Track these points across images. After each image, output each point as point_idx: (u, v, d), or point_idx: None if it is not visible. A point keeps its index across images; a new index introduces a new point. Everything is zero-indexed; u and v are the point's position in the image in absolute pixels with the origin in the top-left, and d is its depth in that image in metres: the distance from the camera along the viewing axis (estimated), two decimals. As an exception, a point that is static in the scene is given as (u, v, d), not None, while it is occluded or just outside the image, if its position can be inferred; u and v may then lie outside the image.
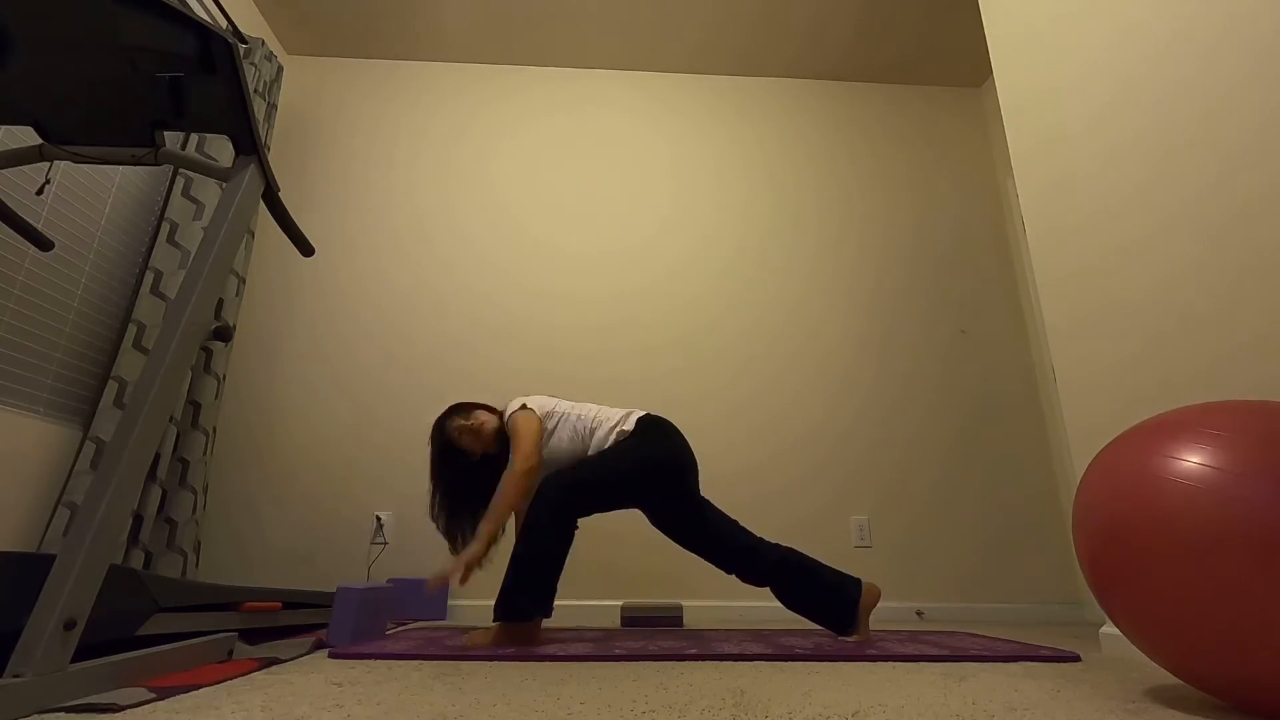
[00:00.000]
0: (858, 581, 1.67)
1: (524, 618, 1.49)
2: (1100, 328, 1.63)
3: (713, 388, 2.70)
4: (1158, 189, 1.49)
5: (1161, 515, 0.83)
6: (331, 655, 1.32)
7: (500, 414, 1.85)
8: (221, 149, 2.42)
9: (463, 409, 1.86)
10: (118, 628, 1.12)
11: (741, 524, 1.78)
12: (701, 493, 1.90)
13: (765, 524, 2.51)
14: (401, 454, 2.54)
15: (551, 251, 2.87)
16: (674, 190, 3.01)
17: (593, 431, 1.75)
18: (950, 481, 2.63)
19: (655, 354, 2.74)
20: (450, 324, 2.73)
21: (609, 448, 1.72)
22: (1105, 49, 1.66)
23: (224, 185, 2.01)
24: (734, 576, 1.75)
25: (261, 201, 1.30)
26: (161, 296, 2.16)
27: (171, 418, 2.13)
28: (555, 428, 1.76)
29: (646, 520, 1.83)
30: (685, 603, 2.40)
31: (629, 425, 1.75)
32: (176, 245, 2.24)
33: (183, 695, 0.94)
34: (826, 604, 1.65)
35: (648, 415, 1.79)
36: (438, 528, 1.83)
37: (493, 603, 1.99)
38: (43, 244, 1.42)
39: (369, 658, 1.30)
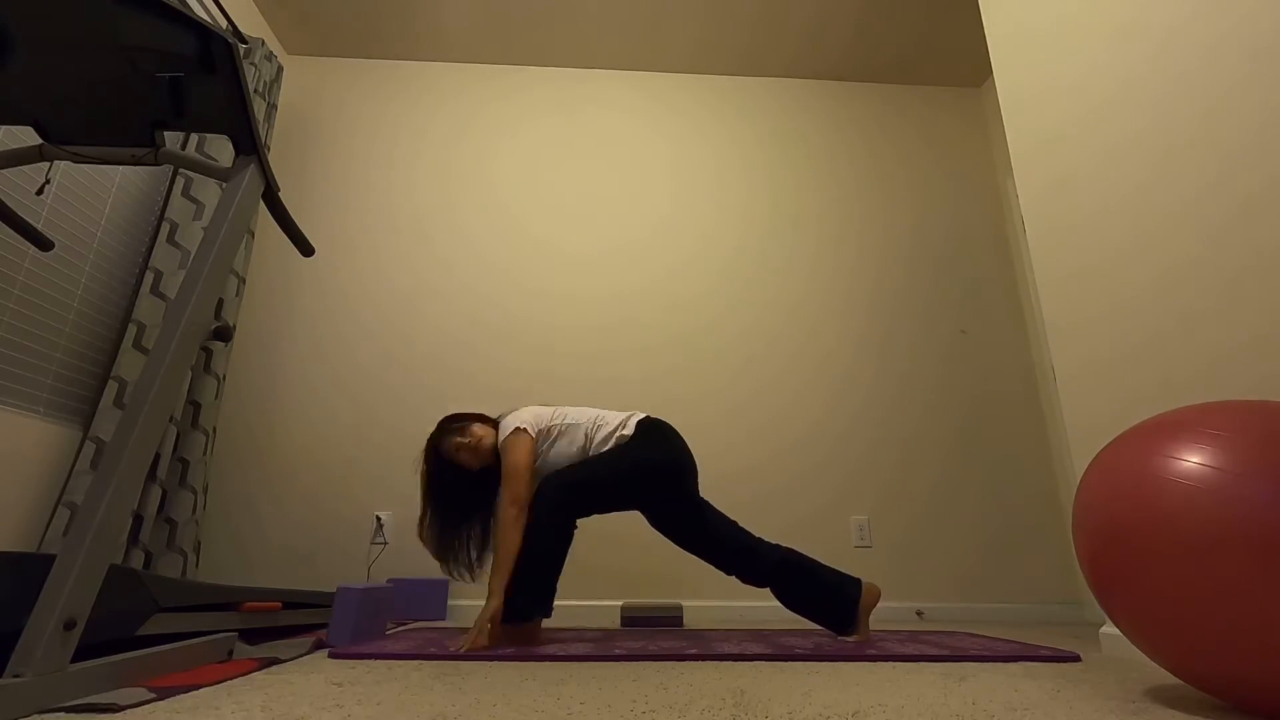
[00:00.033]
0: (857, 581, 1.67)
1: (524, 618, 1.49)
2: (1100, 327, 1.63)
3: (713, 388, 2.70)
4: (1157, 189, 1.49)
5: (1161, 515, 0.83)
6: (331, 655, 1.32)
7: (495, 423, 1.82)
8: (221, 149, 2.42)
9: (458, 427, 1.78)
10: (118, 628, 1.12)
11: (741, 525, 1.78)
12: (701, 494, 1.90)
13: (765, 524, 2.51)
14: (401, 454, 2.54)
15: (551, 251, 2.87)
16: (674, 190, 3.01)
17: (594, 437, 1.75)
18: (950, 481, 2.63)
19: (655, 354, 2.74)
20: (450, 324, 2.73)
21: (609, 450, 1.72)
22: (1105, 49, 1.66)
23: (224, 185, 2.01)
24: (734, 578, 1.75)
25: (261, 201, 1.30)
26: (161, 296, 2.16)
27: (171, 418, 2.13)
28: (557, 437, 1.74)
29: (646, 521, 1.83)
30: (685, 603, 2.40)
31: (629, 429, 1.75)
32: (176, 245, 2.24)
33: (183, 695, 0.94)
34: (826, 604, 1.65)
35: (647, 418, 1.79)
36: (428, 548, 1.76)
37: (493, 603, 1.99)
38: (43, 244, 1.42)
39: (369, 658, 1.30)
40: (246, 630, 1.58)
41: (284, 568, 2.38)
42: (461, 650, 1.37)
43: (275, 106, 2.74)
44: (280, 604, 1.60)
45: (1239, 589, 0.75)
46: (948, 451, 2.67)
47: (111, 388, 1.99)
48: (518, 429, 1.68)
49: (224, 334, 1.68)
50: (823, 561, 1.72)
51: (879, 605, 2.39)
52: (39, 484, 1.86)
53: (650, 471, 1.70)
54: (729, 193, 3.03)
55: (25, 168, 1.83)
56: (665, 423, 1.80)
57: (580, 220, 2.93)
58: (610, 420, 1.78)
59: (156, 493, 2.05)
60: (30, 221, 1.56)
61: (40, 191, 1.59)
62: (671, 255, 2.90)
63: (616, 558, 2.43)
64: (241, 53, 2.07)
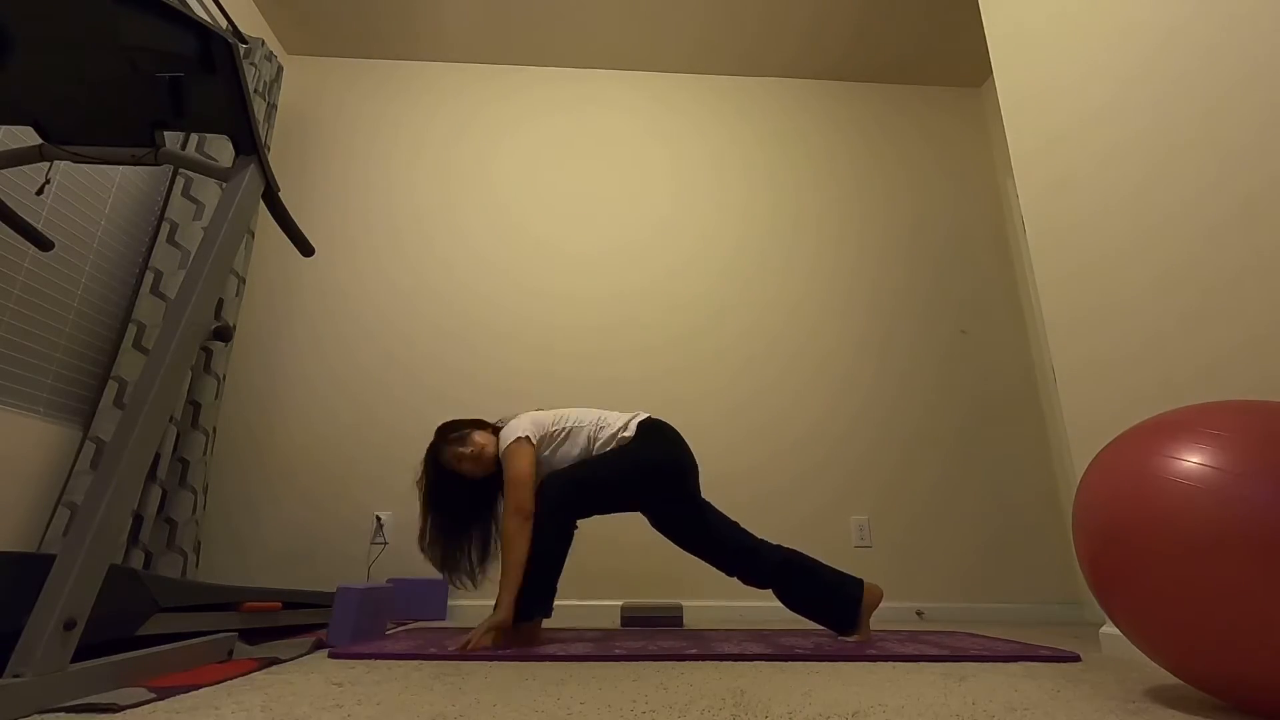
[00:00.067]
0: (859, 581, 1.67)
1: (524, 617, 1.49)
2: (1100, 327, 1.63)
3: (713, 388, 2.70)
4: (1157, 189, 1.49)
5: (1161, 515, 0.83)
6: (331, 655, 1.32)
7: (494, 429, 1.81)
8: (221, 149, 2.42)
9: (458, 436, 1.76)
10: (118, 628, 1.12)
11: (742, 525, 1.78)
12: (702, 494, 1.90)
13: (765, 524, 2.51)
14: (401, 454, 2.53)
15: (551, 251, 2.87)
16: (674, 190, 3.01)
17: (597, 438, 1.74)
18: (950, 481, 2.63)
19: (655, 354, 2.74)
20: (450, 324, 2.73)
21: (610, 450, 1.72)
22: (1105, 49, 1.66)
23: (224, 185, 2.01)
24: (735, 579, 1.75)
25: (261, 201, 1.30)
26: (161, 296, 2.16)
27: (171, 418, 2.13)
28: (560, 441, 1.74)
29: (646, 522, 1.83)
30: (685, 603, 2.40)
31: (630, 430, 1.75)
32: (176, 245, 2.24)
33: (183, 695, 0.94)
34: (828, 604, 1.65)
35: (648, 419, 1.79)
36: (430, 559, 1.75)
37: (492, 603, 1.99)
38: (43, 244, 1.42)
39: (369, 658, 1.30)
40: (246, 630, 1.58)
41: (284, 568, 2.38)
42: (462, 650, 1.37)
43: (275, 106, 2.74)
44: (280, 604, 1.60)
45: (1239, 589, 0.75)
46: (948, 451, 2.67)
47: (111, 388, 1.99)
48: (519, 438, 1.66)
49: (224, 334, 1.67)
50: (823, 562, 1.72)
51: (879, 605, 2.39)
52: (39, 484, 1.86)
53: (651, 472, 1.70)
54: (729, 193, 3.03)
55: (25, 168, 1.83)
56: (666, 423, 1.80)
57: (580, 220, 2.93)
58: (612, 422, 1.77)
59: (156, 493, 2.05)
60: (30, 221, 1.56)
61: (40, 191, 1.59)
62: (671, 255, 2.90)
63: (616, 558, 2.43)
64: (241, 53, 2.07)
